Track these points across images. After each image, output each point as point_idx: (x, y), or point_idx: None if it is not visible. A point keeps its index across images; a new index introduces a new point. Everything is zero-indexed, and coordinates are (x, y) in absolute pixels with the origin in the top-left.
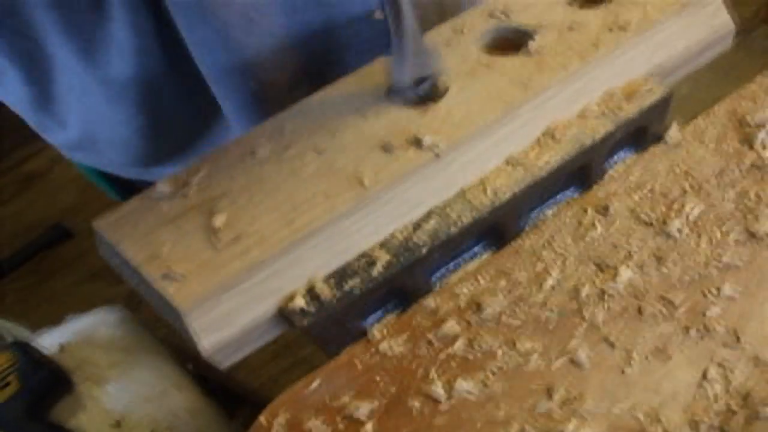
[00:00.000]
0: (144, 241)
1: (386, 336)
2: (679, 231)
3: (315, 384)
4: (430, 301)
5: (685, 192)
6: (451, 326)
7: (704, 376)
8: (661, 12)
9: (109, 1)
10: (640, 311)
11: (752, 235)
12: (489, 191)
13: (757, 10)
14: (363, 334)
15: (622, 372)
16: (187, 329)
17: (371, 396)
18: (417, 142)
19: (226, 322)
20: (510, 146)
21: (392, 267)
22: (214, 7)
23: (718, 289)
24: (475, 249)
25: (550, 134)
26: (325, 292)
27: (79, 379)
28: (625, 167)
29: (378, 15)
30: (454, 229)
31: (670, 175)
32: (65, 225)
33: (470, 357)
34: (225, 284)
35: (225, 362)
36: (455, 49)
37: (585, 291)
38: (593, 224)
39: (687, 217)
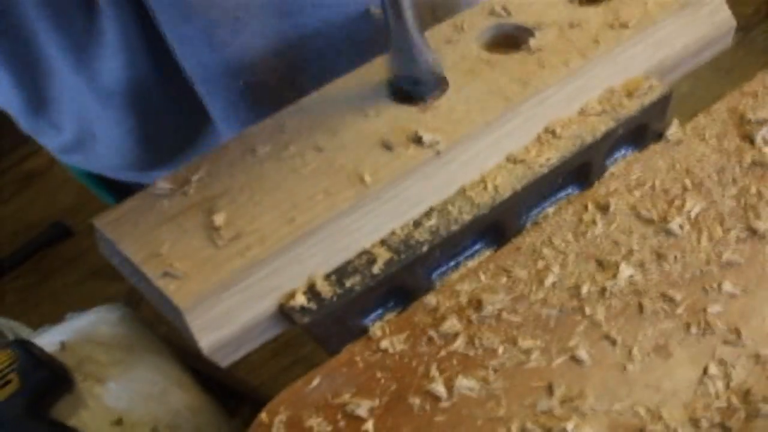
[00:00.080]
0: (144, 239)
1: (387, 334)
2: (680, 228)
3: (315, 382)
4: (430, 299)
5: (685, 189)
6: (452, 324)
7: (705, 373)
8: (661, 9)
9: None
10: (640, 308)
11: (753, 232)
12: (489, 189)
13: (758, 7)
14: (363, 331)
15: (623, 369)
16: (188, 327)
17: (372, 394)
18: (417, 140)
19: (226, 320)
20: (510, 144)
21: (393, 265)
22: (197, 4)
23: (719, 286)
24: (476, 247)
25: (550, 132)
26: (325, 289)
27: (80, 377)
28: (625, 164)
29: (374, 11)
30: (454, 227)
31: (670, 173)
32: (65, 223)
33: (471, 354)
34: (225, 282)
35: (225, 360)
36: (456, 46)
37: (586, 288)
38: (594, 221)
39: (688, 215)
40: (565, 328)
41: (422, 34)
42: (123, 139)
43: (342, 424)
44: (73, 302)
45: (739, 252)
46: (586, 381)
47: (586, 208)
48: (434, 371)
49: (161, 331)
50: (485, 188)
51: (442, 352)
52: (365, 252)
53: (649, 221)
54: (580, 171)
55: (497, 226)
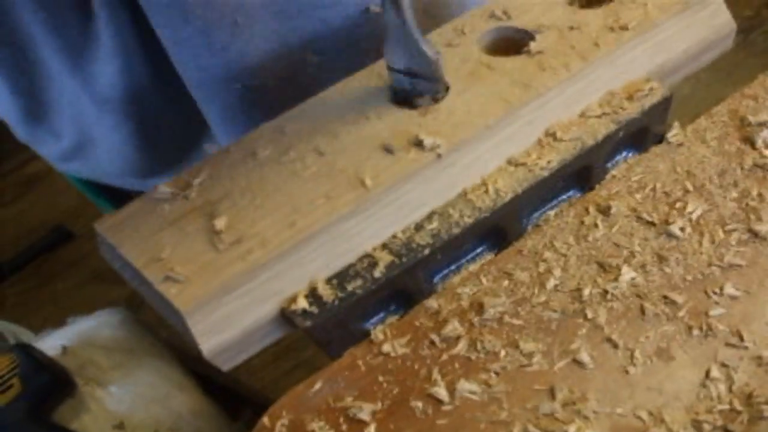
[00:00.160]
0: (146, 243)
1: (389, 337)
2: (682, 231)
3: (317, 385)
4: (432, 303)
5: (687, 192)
6: (454, 327)
7: (707, 376)
8: (662, 12)
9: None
10: (642, 311)
11: (755, 234)
12: (490, 192)
13: (758, 9)
14: (365, 335)
15: (625, 372)
16: (189, 331)
17: (374, 397)
18: (418, 143)
19: (227, 324)
20: (511, 147)
21: (394, 268)
22: (195, 7)
23: (721, 289)
24: (477, 250)
25: (551, 135)
26: (327, 293)
27: (82, 381)
28: (626, 167)
29: (374, 9)
30: (455, 230)
31: (671, 175)
32: (67, 227)
33: (473, 358)
34: (227, 286)
35: (227, 364)
36: (456, 50)
37: (587, 291)
38: (595, 224)
39: (689, 217)
40: (567, 331)
41: (418, 25)
42: (122, 144)
43: (344, 427)
44: (75, 306)
45: (740, 254)
46: (588, 384)
47: (587, 210)
48: (436, 375)
49: (163, 334)
50: (486, 191)
51: (444, 356)
52: (367, 255)
53: (650, 224)
54: (581, 174)
55: (498, 230)
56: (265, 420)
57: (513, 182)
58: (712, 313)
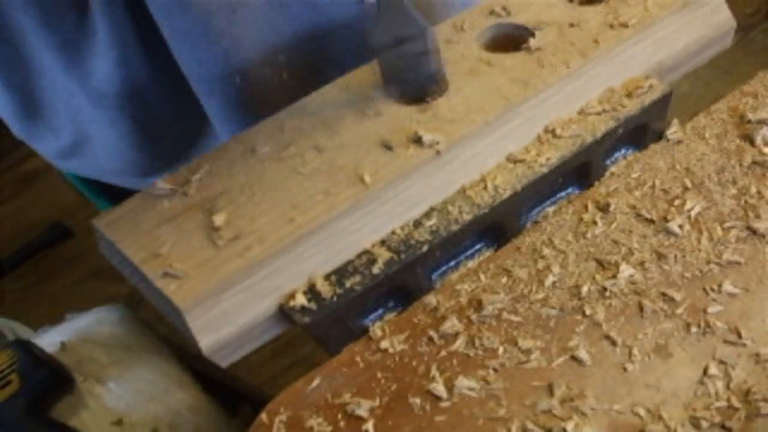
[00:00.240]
0: (144, 239)
1: (387, 334)
2: (680, 228)
3: (316, 382)
4: (431, 299)
5: (686, 189)
6: (452, 324)
7: (705, 373)
8: (661, 9)
9: None
10: (641, 308)
11: (753, 231)
12: (489, 189)
13: (758, 7)
14: (364, 332)
15: (623, 369)
16: (188, 327)
17: (372, 394)
18: (417, 140)
19: (226, 320)
20: (510, 144)
21: (393, 265)
22: None
23: (719, 286)
24: (476, 247)
25: (550, 131)
26: (325, 290)
27: (80, 377)
28: (625, 164)
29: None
30: (454, 227)
31: (670, 172)
32: (65, 224)
33: (471, 354)
34: (225, 282)
35: (225, 360)
36: (456, 46)
37: (586, 288)
38: (594, 221)
39: (688, 214)
40: (566, 328)
41: None
42: (119, 141)
43: (342, 424)
44: (74, 302)
45: (739, 252)
46: (586, 381)
47: (586, 208)
48: (434, 371)
49: (161, 331)
50: (485, 188)
51: (443, 352)
52: (365, 252)
53: (649, 221)
54: (580, 171)
55: (497, 226)
56: (264, 416)
57: (512, 179)
58: (710, 310)
